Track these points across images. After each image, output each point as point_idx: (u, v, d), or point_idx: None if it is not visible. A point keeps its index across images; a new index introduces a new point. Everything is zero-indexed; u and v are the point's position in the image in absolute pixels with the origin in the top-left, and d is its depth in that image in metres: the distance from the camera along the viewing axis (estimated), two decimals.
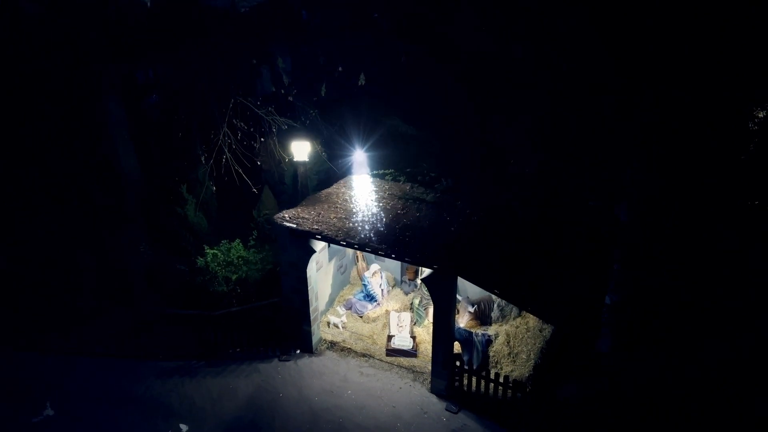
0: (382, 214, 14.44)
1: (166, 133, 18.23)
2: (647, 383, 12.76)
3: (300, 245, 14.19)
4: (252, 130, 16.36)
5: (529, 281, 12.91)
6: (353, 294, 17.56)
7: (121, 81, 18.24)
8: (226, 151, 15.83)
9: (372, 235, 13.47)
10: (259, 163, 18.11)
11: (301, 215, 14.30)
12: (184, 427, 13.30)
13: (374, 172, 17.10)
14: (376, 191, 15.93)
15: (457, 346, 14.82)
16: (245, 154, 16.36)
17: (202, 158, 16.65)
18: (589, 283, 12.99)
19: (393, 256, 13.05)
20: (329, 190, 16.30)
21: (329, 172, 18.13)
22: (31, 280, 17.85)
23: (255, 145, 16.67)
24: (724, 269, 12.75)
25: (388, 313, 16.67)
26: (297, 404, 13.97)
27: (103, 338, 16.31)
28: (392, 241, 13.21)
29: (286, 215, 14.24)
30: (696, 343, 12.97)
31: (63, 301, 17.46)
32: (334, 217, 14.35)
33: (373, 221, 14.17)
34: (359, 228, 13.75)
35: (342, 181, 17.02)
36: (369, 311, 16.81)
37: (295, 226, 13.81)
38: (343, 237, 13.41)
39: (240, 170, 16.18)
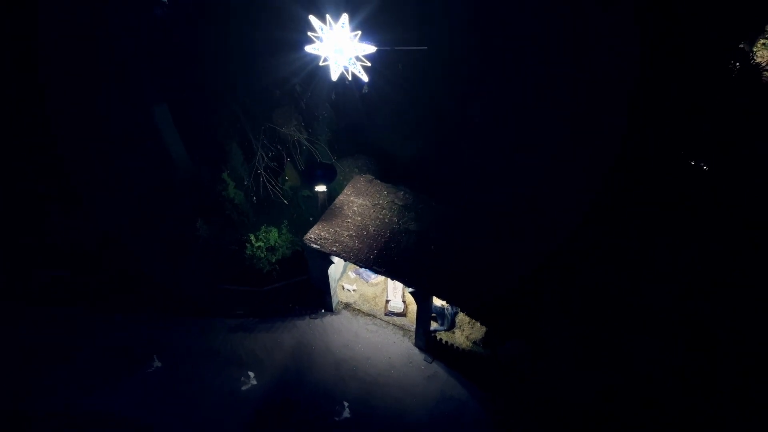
0: (381, 233, 19.71)
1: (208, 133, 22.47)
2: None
3: (322, 257, 19.77)
4: (280, 149, 20.75)
5: (481, 299, 18.61)
6: None
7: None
8: (262, 171, 20.50)
9: (375, 253, 18.97)
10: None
11: (322, 235, 19.62)
12: (251, 374, 20.21)
13: (375, 178, 21.91)
14: (375, 206, 20.82)
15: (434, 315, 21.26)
16: (275, 170, 21.00)
17: (245, 181, 21.29)
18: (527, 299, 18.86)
19: (390, 276, 18.74)
20: (341, 198, 21.22)
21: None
22: (112, 251, 23.43)
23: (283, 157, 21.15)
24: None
25: (386, 279, 22.75)
26: (325, 356, 20.79)
27: (173, 303, 22.51)
28: (389, 262, 18.76)
29: (312, 236, 19.57)
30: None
31: (134, 270, 23.08)
32: (347, 236, 19.69)
33: (375, 238, 19.53)
34: (365, 249, 19.19)
35: (351, 185, 21.81)
36: (372, 280, 22.89)
37: (319, 247, 19.28)
38: (354, 258, 18.98)
39: (272, 184, 20.98)
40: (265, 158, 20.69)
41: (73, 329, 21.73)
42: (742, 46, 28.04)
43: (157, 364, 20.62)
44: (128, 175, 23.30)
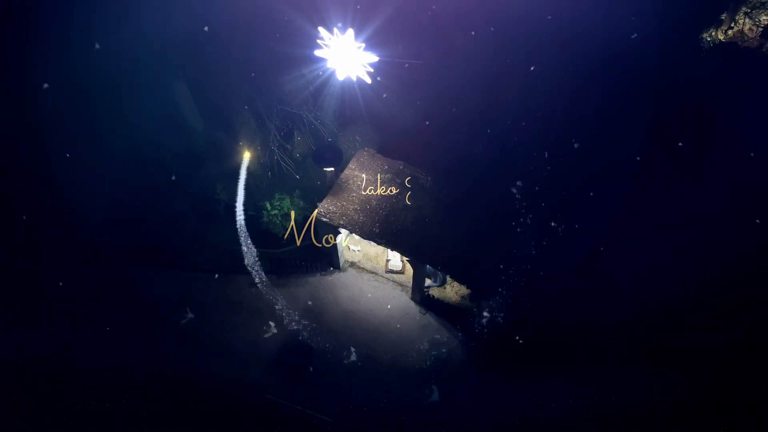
0: (382, 207, 22.53)
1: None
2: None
3: (332, 227, 22.74)
4: (291, 126, 23.21)
5: (464, 270, 21.73)
6: None
7: None
8: (276, 149, 23.06)
9: (377, 226, 21.92)
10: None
11: (331, 209, 22.46)
12: (272, 323, 23.71)
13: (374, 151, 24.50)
14: (377, 180, 23.47)
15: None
16: (286, 147, 23.57)
17: (260, 159, 23.83)
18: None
19: (390, 248, 21.81)
20: (347, 172, 23.83)
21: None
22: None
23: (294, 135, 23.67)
24: None
25: None
26: (334, 308, 24.25)
27: (200, 261, 25.65)
28: (388, 234, 21.76)
29: (322, 210, 22.42)
30: None
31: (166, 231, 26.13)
32: (352, 209, 22.53)
33: (377, 211, 22.40)
34: (369, 222, 22.10)
35: (355, 159, 24.34)
36: None
37: (328, 221, 22.21)
38: (359, 231, 21.97)
39: (285, 160, 23.59)
40: (278, 136, 23.17)
41: (115, 286, 25.00)
42: (723, 16, 29.59)
43: (190, 315, 24.04)
44: (154, 147, 25.81)
